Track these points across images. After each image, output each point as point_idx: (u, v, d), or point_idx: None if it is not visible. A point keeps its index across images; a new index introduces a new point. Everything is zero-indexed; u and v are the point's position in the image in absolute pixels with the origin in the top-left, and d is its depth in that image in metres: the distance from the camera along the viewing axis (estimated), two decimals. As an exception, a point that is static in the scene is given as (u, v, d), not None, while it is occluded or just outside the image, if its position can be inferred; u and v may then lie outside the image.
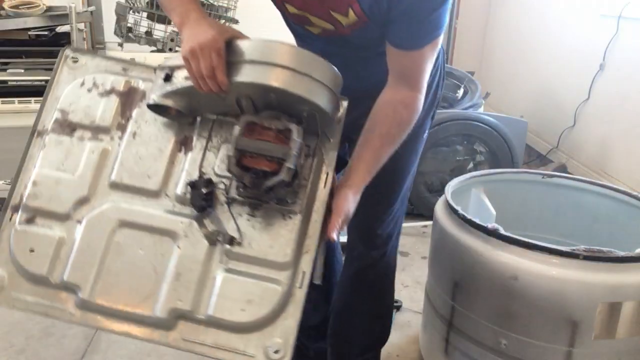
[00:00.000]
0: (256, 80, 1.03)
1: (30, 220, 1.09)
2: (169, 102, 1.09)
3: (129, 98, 1.18)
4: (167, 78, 1.09)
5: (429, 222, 1.96)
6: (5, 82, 2.66)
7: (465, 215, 1.45)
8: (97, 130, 1.15)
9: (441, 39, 1.17)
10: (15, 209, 1.10)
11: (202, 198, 1.09)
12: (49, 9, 3.31)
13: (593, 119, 3.23)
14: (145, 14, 3.30)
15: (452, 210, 1.51)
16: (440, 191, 2.17)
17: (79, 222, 1.09)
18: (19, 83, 2.68)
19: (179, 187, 1.11)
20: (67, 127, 1.15)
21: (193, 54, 1.01)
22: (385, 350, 1.66)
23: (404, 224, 2.65)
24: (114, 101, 1.17)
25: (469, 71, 3.39)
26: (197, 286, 1.04)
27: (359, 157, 1.17)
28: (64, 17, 3.29)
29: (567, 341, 1.31)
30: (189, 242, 1.08)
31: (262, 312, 1.03)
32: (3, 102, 2.59)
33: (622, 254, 1.27)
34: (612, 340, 1.31)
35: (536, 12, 4.00)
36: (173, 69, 1.08)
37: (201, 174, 1.12)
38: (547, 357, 1.34)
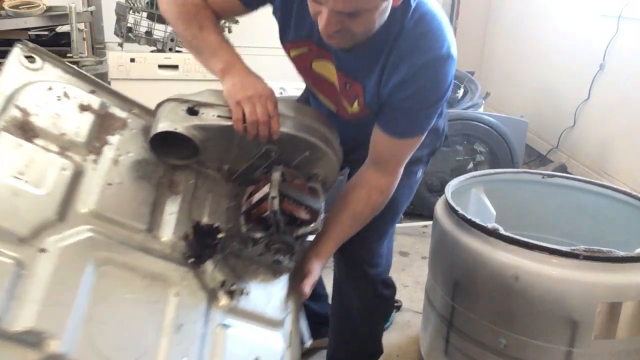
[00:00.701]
0: (303, 135, 1.12)
1: None
2: (194, 134, 1.07)
3: (105, 121, 1.05)
4: (193, 112, 1.09)
5: (429, 222, 1.96)
6: (5, 82, 2.65)
7: (465, 215, 1.45)
8: (67, 145, 0.97)
9: (423, 138, 1.23)
10: None
11: (205, 246, 1.06)
12: (49, 9, 3.31)
13: (593, 119, 3.23)
14: (145, 14, 3.30)
15: (452, 210, 1.51)
16: (440, 191, 2.17)
17: (43, 250, 0.83)
18: (19, 83, 2.67)
19: (171, 230, 1.02)
20: (27, 130, 0.93)
21: (250, 100, 1.07)
22: (385, 350, 1.66)
23: (404, 224, 2.68)
24: (89, 119, 1.02)
25: (469, 71, 3.39)
26: (201, 340, 0.93)
27: (329, 232, 1.25)
28: (64, 17, 3.29)
29: (567, 341, 1.31)
30: (186, 290, 0.96)
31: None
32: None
33: (622, 254, 1.27)
34: (612, 340, 1.31)
35: (536, 12, 4.00)
36: (199, 105, 1.10)
37: (196, 222, 1.08)
38: (547, 357, 1.34)
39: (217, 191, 1.16)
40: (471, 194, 1.79)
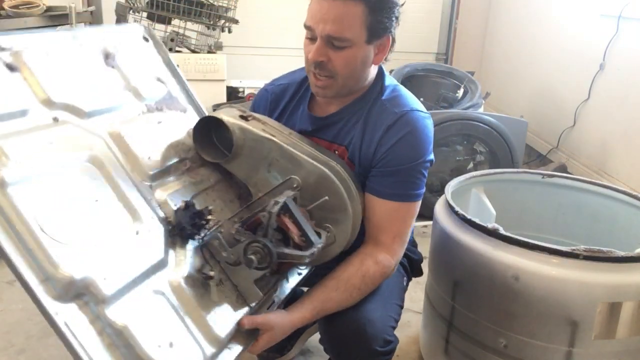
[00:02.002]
0: (332, 177, 1.14)
1: None
2: (236, 132, 1.15)
3: (171, 100, 1.25)
4: (244, 118, 1.18)
5: (429, 222, 1.96)
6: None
7: (465, 215, 1.45)
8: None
9: (416, 210, 1.26)
10: None
11: (191, 223, 1.07)
12: (49, 9, 3.31)
13: (593, 119, 3.23)
14: (145, 14, 3.30)
15: (452, 210, 1.51)
16: (440, 191, 2.17)
17: (56, 120, 0.96)
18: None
19: (168, 196, 1.07)
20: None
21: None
22: (385, 350, 1.66)
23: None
24: (163, 90, 1.23)
25: (469, 71, 3.39)
26: (125, 290, 0.92)
27: (310, 291, 1.20)
28: (64, 17, 3.29)
29: (567, 341, 1.31)
30: (147, 236, 0.99)
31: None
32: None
33: (622, 254, 1.27)
34: (612, 340, 1.31)
35: (536, 12, 4.00)
36: (253, 117, 1.20)
37: (192, 202, 1.10)
38: (547, 357, 1.34)
39: (226, 199, 1.20)
40: (471, 194, 1.79)
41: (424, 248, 1.92)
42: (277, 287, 1.20)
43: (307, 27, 1.18)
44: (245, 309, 1.09)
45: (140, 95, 1.15)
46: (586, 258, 1.26)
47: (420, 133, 1.23)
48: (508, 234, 1.35)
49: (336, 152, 1.29)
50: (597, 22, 3.20)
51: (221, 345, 1.02)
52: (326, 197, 1.13)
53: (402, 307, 1.35)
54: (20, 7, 3.14)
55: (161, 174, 1.10)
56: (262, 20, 4.14)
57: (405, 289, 1.42)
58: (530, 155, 3.78)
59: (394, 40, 1.23)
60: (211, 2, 3.30)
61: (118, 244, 0.94)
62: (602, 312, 1.27)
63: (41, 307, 0.80)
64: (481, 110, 3.10)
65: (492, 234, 1.37)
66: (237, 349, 1.05)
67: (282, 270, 1.16)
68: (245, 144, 1.15)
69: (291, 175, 1.15)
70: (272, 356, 1.74)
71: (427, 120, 1.25)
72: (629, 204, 1.67)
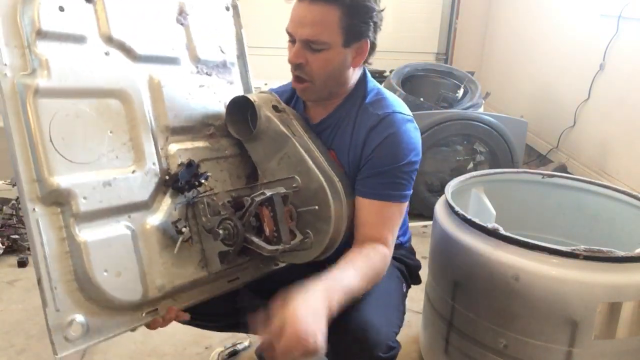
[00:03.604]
0: (328, 190, 1.19)
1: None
2: (262, 118, 1.21)
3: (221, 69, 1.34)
4: (277, 109, 1.25)
5: (429, 222, 1.96)
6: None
7: (465, 215, 1.45)
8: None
9: (402, 211, 1.27)
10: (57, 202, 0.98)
11: (187, 179, 1.15)
12: (49, 9, 3.29)
13: (593, 119, 3.24)
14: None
15: (452, 210, 1.51)
16: (440, 191, 2.17)
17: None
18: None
19: (177, 151, 1.15)
20: None
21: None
22: (385, 350, 1.65)
23: (404, 224, 2.67)
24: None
25: (469, 71, 3.39)
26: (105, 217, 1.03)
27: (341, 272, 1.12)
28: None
29: (567, 341, 1.31)
30: (141, 180, 1.08)
31: (112, 292, 1.01)
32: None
33: (622, 254, 1.27)
34: (612, 340, 1.31)
35: (536, 12, 4.00)
36: (286, 112, 1.26)
37: (197, 162, 1.18)
38: (547, 357, 1.34)
39: (234, 173, 1.28)
40: (471, 194, 1.79)
41: (424, 248, 1.93)
42: (247, 267, 1.26)
43: (287, 32, 1.23)
44: (204, 274, 1.18)
45: (195, 57, 1.22)
46: (586, 258, 1.26)
47: (402, 135, 1.24)
48: (508, 234, 1.35)
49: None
50: (597, 22, 3.20)
51: (166, 294, 1.10)
52: (316, 207, 1.17)
53: (404, 313, 1.34)
54: (20, 7, 3.13)
55: (181, 129, 1.17)
56: (262, 20, 4.15)
57: (405, 295, 1.42)
58: (530, 155, 3.78)
59: (373, 45, 1.28)
60: (211, 2, 3.29)
61: (111, 174, 1.03)
62: (602, 312, 1.27)
63: (23, 201, 0.93)
64: (481, 110, 3.10)
65: (492, 234, 1.37)
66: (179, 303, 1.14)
67: (248, 253, 1.20)
68: (267, 132, 1.23)
69: (294, 175, 1.20)
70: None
71: (409, 123, 1.27)
72: (629, 204, 1.67)
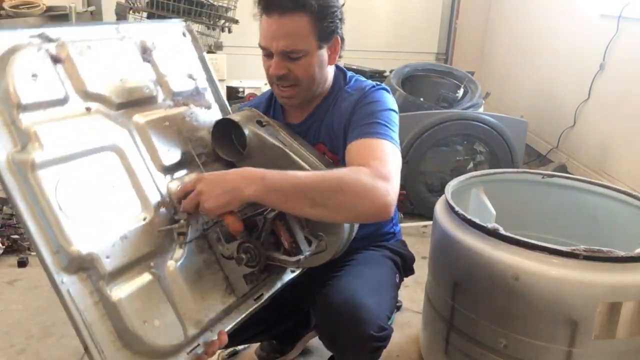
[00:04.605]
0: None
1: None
2: (250, 136, 1.23)
3: (197, 95, 1.32)
4: (261, 124, 1.27)
5: (429, 222, 1.96)
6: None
7: (465, 215, 1.45)
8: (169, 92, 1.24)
9: (390, 149, 1.22)
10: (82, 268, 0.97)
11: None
12: (49, 9, 3.31)
13: (593, 119, 3.23)
14: (145, 14, 3.30)
15: (452, 210, 1.51)
16: (440, 191, 2.17)
17: (89, 110, 1.06)
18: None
19: (175, 183, 1.16)
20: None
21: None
22: (385, 350, 1.65)
23: (404, 224, 2.68)
24: (190, 84, 1.30)
25: (469, 71, 3.39)
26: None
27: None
28: (64, 17, 3.29)
29: (567, 341, 1.31)
30: (150, 228, 1.07)
31: (156, 341, 1.01)
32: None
33: (622, 254, 1.27)
34: (612, 340, 1.31)
35: (536, 12, 4.00)
36: (269, 124, 1.28)
37: None
38: (547, 357, 1.34)
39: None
40: (471, 194, 1.79)
41: (424, 248, 1.93)
42: (267, 282, 1.26)
43: (261, 47, 1.28)
44: (232, 299, 1.18)
45: (169, 90, 1.22)
46: (586, 258, 1.26)
47: (378, 92, 1.33)
48: (508, 234, 1.35)
49: (325, 154, 1.35)
50: (597, 22, 3.20)
51: (203, 328, 1.11)
52: None
53: (396, 300, 1.37)
54: (20, 7, 3.14)
55: (177, 165, 1.17)
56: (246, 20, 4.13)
57: (398, 286, 1.43)
58: (530, 155, 3.78)
59: (342, 40, 1.35)
60: (211, 2, 3.30)
61: (126, 227, 1.03)
62: (602, 312, 1.27)
63: (50, 275, 0.92)
64: (481, 110, 3.10)
65: (492, 234, 1.37)
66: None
67: (270, 269, 1.23)
68: (258, 147, 1.24)
69: None
70: (273, 357, 1.74)
71: (384, 90, 1.35)
72: (629, 204, 1.67)
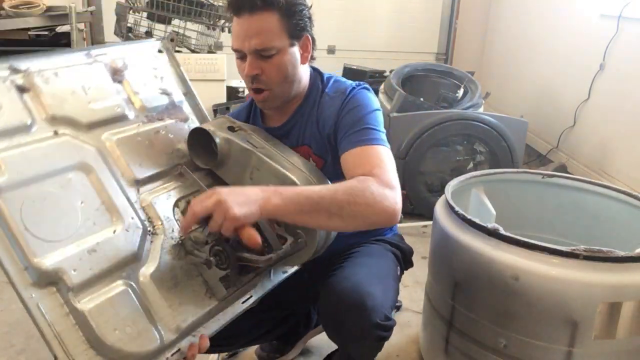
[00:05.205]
0: None
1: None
2: (221, 143, 1.25)
3: (173, 108, 1.34)
4: (232, 129, 1.29)
5: (429, 222, 1.96)
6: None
7: (465, 215, 1.45)
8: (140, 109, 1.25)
9: (384, 153, 1.24)
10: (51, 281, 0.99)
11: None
12: (49, 9, 3.31)
13: (593, 119, 3.24)
14: (145, 14, 3.30)
15: (452, 210, 1.51)
16: (440, 191, 2.17)
17: (56, 134, 1.09)
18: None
19: (151, 196, 1.17)
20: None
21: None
22: (385, 350, 1.65)
23: (404, 224, 2.68)
24: (164, 100, 1.31)
25: (469, 71, 3.39)
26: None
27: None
28: (64, 17, 3.29)
29: (567, 341, 1.31)
30: (124, 236, 1.09)
31: (128, 347, 1.02)
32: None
33: (622, 254, 1.27)
34: (612, 340, 1.31)
35: (536, 12, 4.00)
36: (241, 128, 1.30)
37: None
38: (547, 357, 1.34)
39: None
40: (471, 194, 1.79)
41: (424, 248, 1.93)
42: (255, 283, 1.26)
43: (235, 50, 1.30)
44: (214, 303, 1.18)
45: (142, 107, 1.24)
46: (586, 258, 1.26)
47: (360, 93, 1.34)
48: (508, 234, 1.35)
49: (310, 157, 1.37)
50: (597, 22, 3.20)
51: (183, 332, 1.11)
52: None
53: (398, 292, 1.38)
54: (20, 7, 3.14)
55: (150, 178, 1.19)
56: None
57: (399, 278, 1.44)
58: (530, 155, 3.78)
59: (313, 39, 1.35)
60: (211, 2, 3.30)
61: (94, 240, 1.05)
62: (602, 312, 1.27)
63: (17, 291, 0.94)
64: (481, 110, 3.10)
65: (492, 234, 1.37)
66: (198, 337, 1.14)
67: (249, 270, 1.21)
68: (230, 153, 1.25)
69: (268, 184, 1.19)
70: (272, 356, 1.74)
71: (365, 89, 1.36)
72: (629, 204, 1.67)
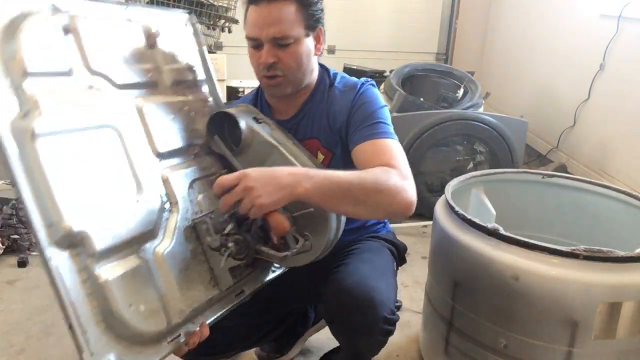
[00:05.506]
0: None
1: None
2: (245, 131, 1.24)
3: (198, 90, 1.34)
4: (257, 121, 1.29)
5: (429, 222, 1.96)
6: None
7: (465, 215, 1.45)
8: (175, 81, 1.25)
9: (396, 146, 1.28)
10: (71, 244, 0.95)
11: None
12: (49, 9, 3.29)
13: (593, 119, 3.24)
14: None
15: (452, 210, 1.51)
16: (440, 191, 2.17)
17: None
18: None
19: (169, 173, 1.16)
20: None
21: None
22: (385, 350, 1.65)
23: (404, 224, 2.68)
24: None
25: (469, 71, 3.39)
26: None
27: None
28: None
29: (567, 341, 1.31)
30: (145, 205, 1.07)
31: (139, 326, 1.00)
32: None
33: (622, 254, 1.27)
34: (612, 340, 1.31)
35: (536, 12, 4.00)
36: (266, 122, 1.30)
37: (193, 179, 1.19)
38: (547, 357, 1.34)
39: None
40: (471, 194, 1.79)
41: (424, 248, 1.93)
42: (249, 278, 1.26)
43: (250, 38, 1.29)
44: (216, 292, 1.17)
45: (171, 78, 1.22)
46: (586, 258, 1.26)
47: (369, 90, 1.37)
48: (508, 234, 1.35)
49: (319, 150, 1.38)
50: (597, 22, 3.20)
51: (186, 318, 1.10)
52: (312, 209, 1.16)
53: (397, 288, 1.39)
54: None
55: (170, 154, 1.17)
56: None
57: (396, 274, 1.45)
58: (530, 155, 3.78)
59: (324, 32, 1.37)
60: (211, 2, 3.30)
61: (118, 208, 1.02)
62: (602, 312, 1.27)
63: (40, 249, 0.90)
64: (481, 110, 3.10)
65: (492, 234, 1.37)
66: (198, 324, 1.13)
67: (255, 265, 1.22)
68: (252, 144, 1.24)
69: None
70: (272, 356, 1.74)
71: (372, 86, 1.40)
72: (629, 204, 1.67)
